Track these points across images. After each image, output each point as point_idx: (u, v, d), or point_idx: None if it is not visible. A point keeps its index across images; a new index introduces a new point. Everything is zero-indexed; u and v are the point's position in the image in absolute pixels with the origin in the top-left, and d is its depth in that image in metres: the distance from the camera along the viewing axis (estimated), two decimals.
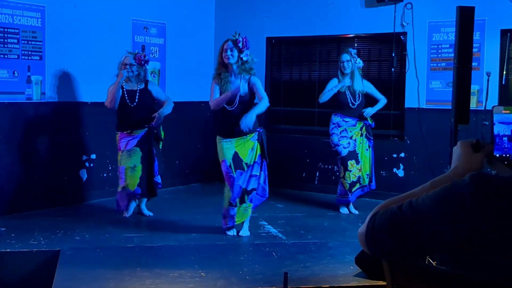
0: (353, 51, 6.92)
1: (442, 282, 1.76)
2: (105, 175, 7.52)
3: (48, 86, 6.87)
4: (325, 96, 6.87)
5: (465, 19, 4.39)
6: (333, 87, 6.84)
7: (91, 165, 7.37)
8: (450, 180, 1.72)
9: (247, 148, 5.69)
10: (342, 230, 6.19)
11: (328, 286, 4.37)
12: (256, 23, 8.68)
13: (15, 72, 6.54)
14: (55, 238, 5.61)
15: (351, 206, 6.97)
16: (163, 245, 5.46)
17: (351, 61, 6.82)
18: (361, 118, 6.89)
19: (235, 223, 5.78)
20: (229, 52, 5.62)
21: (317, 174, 8.33)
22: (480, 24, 7.11)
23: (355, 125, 6.90)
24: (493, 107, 1.82)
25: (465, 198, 1.61)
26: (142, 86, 6.48)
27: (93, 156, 7.37)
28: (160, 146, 6.69)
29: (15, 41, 6.51)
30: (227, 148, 5.67)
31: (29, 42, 6.65)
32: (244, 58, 5.65)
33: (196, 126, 8.74)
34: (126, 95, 6.38)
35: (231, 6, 8.93)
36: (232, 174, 5.64)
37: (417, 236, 1.68)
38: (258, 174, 5.75)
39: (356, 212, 6.90)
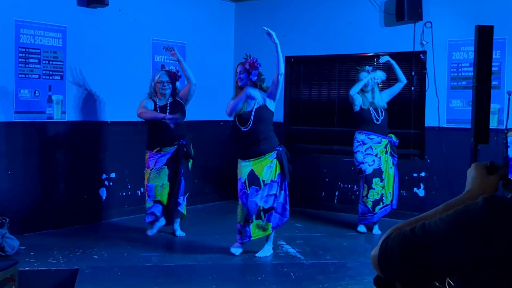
0: (370, 68, 6.96)
1: None
2: (124, 193, 7.55)
3: (68, 105, 6.94)
4: (356, 88, 6.89)
5: (484, 38, 4.32)
6: (362, 86, 6.89)
7: (111, 183, 7.41)
8: (463, 202, 1.70)
9: (264, 165, 5.68)
10: (361, 251, 6.13)
11: None
12: None
13: (36, 91, 6.62)
14: (73, 257, 5.63)
15: (375, 226, 6.92)
16: (181, 265, 5.45)
17: (369, 79, 6.85)
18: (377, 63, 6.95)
19: (251, 239, 5.74)
20: (239, 75, 5.73)
21: (337, 194, 8.28)
22: (501, 43, 7.07)
23: (380, 142, 6.87)
24: (506, 130, 1.80)
25: (478, 221, 1.59)
26: (171, 99, 6.54)
27: (113, 175, 7.40)
28: (190, 164, 6.63)
29: (37, 61, 6.60)
30: (245, 166, 5.68)
31: (50, 62, 6.74)
32: (253, 79, 5.70)
33: (215, 145, 8.75)
34: (158, 111, 6.44)
35: (250, 26, 8.98)
36: (246, 191, 5.64)
37: (430, 259, 1.66)
38: (276, 193, 5.72)
39: (380, 232, 6.81)
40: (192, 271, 5.30)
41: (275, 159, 5.72)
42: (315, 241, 6.51)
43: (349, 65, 8.43)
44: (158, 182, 6.40)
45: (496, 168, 1.79)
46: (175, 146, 6.45)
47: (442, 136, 7.58)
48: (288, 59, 8.76)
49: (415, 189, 7.76)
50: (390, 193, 6.89)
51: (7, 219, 5.66)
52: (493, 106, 6.84)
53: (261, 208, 5.65)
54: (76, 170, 7.06)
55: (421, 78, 7.80)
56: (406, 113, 7.94)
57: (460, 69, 7.48)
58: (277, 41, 5.61)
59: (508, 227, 1.58)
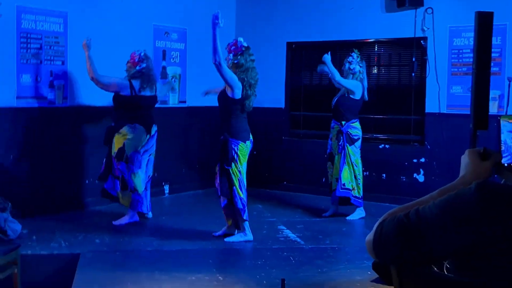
0: (356, 55, 6.93)
1: None
2: None
3: (70, 91, 6.96)
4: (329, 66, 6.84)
5: (484, 24, 4.33)
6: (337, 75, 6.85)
7: None
8: (457, 188, 1.73)
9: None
10: (360, 236, 6.17)
11: None
12: (276, 29, 8.71)
13: (38, 77, 6.65)
14: (75, 241, 5.69)
15: (356, 212, 6.93)
16: (181, 249, 5.50)
17: (350, 64, 6.87)
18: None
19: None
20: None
21: None
22: (501, 29, 7.07)
23: (333, 127, 6.95)
24: (499, 116, 1.83)
25: (471, 206, 1.62)
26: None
27: None
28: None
29: (38, 46, 6.61)
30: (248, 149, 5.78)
31: (52, 47, 6.75)
32: (230, 62, 5.74)
33: (216, 130, 8.76)
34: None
35: (251, 12, 8.98)
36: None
37: (424, 244, 1.69)
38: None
39: (356, 218, 6.86)
40: (193, 255, 5.35)
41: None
42: (315, 226, 6.55)
43: (351, 51, 8.41)
44: None
45: (489, 154, 1.82)
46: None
47: (443, 122, 7.60)
48: (289, 45, 8.77)
49: (415, 175, 7.80)
50: (336, 178, 6.85)
51: (9, 203, 5.70)
52: (494, 92, 6.84)
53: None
54: (78, 155, 7.10)
55: (421, 64, 7.81)
56: (406, 99, 7.95)
57: (461, 55, 7.49)
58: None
59: (500, 212, 1.61)
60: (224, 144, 5.67)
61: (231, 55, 5.73)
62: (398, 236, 1.74)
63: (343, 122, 6.84)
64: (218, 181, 5.75)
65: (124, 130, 6.35)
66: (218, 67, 5.54)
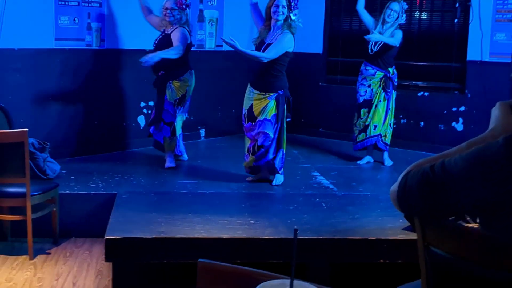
0: (404, 4, 6.73)
1: (473, 242, 1.75)
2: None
3: (107, 33, 6.99)
4: (361, 10, 6.80)
5: None
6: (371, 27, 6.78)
7: (149, 111, 7.50)
8: (485, 141, 1.70)
9: (261, 105, 5.59)
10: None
11: (375, 238, 4.39)
12: None
13: (76, 19, 6.67)
14: (112, 181, 5.81)
15: (384, 157, 6.89)
16: (215, 192, 5.57)
17: (398, 14, 6.65)
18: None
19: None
20: (280, 9, 5.48)
21: None
22: None
23: (373, 75, 6.77)
24: None
25: (498, 160, 1.59)
26: (169, 31, 6.33)
27: (151, 103, 7.49)
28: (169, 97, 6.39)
29: None
30: (248, 98, 5.69)
31: None
32: (293, 18, 5.53)
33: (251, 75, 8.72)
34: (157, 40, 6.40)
35: None
36: (244, 123, 5.70)
37: (448, 197, 1.68)
38: (268, 132, 5.58)
39: (391, 163, 6.84)
40: (226, 198, 5.42)
41: (274, 100, 5.58)
42: (348, 173, 6.55)
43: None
44: None
45: None
46: (155, 76, 6.41)
47: (484, 70, 7.41)
48: None
49: (453, 123, 7.67)
50: (375, 126, 6.77)
51: (48, 144, 5.83)
52: None
53: (255, 143, 5.65)
54: (115, 97, 7.18)
55: (465, 10, 7.57)
56: (448, 46, 7.75)
57: (506, 1, 7.22)
58: (241, 48, 5.43)
59: None
60: (279, 101, 5.58)
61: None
62: (423, 188, 1.73)
63: (390, 69, 6.75)
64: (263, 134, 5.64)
65: (185, 77, 6.35)
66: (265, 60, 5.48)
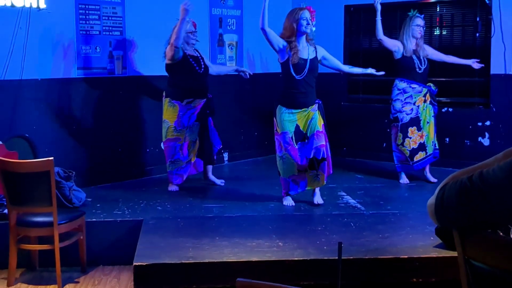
0: (421, 16, 6.88)
1: None
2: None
3: (128, 61, 7.03)
4: (383, 37, 6.82)
5: None
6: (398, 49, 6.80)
7: None
8: None
9: (307, 118, 5.66)
10: (423, 201, 6.03)
11: (406, 256, 4.31)
12: None
13: (97, 47, 6.73)
14: (138, 208, 5.79)
15: (427, 174, 6.85)
16: (241, 215, 5.52)
17: (423, 27, 6.71)
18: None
19: (306, 188, 5.80)
20: (308, 21, 5.63)
21: None
22: None
23: (420, 92, 6.75)
24: None
25: None
26: (197, 53, 6.49)
27: None
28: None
29: (96, 17, 6.69)
30: (290, 121, 5.66)
31: (110, 18, 6.81)
32: (313, 29, 5.78)
33: (272, 97, 8.70)
34: (192, 61, 6.38)
35: None
36: (294, 146, 5.64)
37: (488, 208, 1.62)
38: (324, 143, 5.68)
39: (436, 180, 6.76)
40: (253, 221, 5.36)
41: (317, 111, 5.70)
42: (375, 192, 6.47)
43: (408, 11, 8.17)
44: (192, 138, 6.41)
45: None
46: (205, 99, 6.42)
47: (509, 84, 7.33)
48: (347, 8, 8.59)
49: (479, 138, 7.57)
50: (433, 142, 6.76)
51: (73, 172, 5.84)
52: None
53: (313, 158, 5.63)
54: (139, 124, 7.20)
55: (486, 24, 7.51)
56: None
57: None
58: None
59: None
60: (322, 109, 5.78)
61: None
62: (461, 200, 1.67)
63: (431, 84, 6.83)
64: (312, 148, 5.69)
65: None
66: (263, 32, 5.61)
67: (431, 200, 1.81)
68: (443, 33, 8.09)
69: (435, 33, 8.08)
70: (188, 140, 6.38)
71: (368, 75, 6.24)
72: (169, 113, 6.35)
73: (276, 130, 5.77)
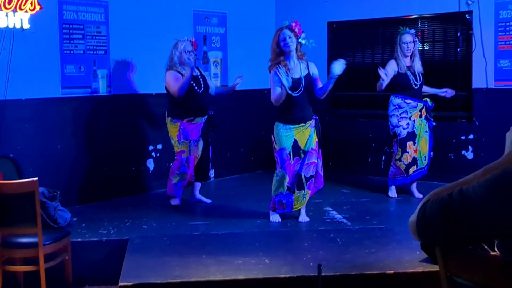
0: (413, 31, 6.86)
1: (496, 269, 1.71)
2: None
3: (113, 79, 7.04)
4: (384, 84, 6.75)
5: None
6: (392, 73, 6.76)
7: (158, 155, 7.52)
8: (502, 166, 1.68)
9: (306, 135, 5.69)
10: (408, 216, 6.05)
11: (393, 272, 4.33)
12: (316, 8, 8.61)
13: (81, 66, 6.73)
14: (123, 227, 5.77)
15: (413, 189, 6.90)
16: (228, 233, 5.53)
17: (414, 42, 6.73)
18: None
19: (293, 210, 5.80)
20: (288, 40, 5.62)
21: (383, 159, 8.21)
22: None
23: (416, 107, 6.79)
24: None
25: None
26: (197, 72, 6.56)
27: (159, 146, 7.51)
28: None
29: (80, 36, 6.70)
30: (287, 136, 5.67)
31: (94, 37, 6.82)
32: (303, 42, 5.69)
33: (260, 113, 8.75)
34: (192, 81, 6.42)
35: None
36: (290, 162, 5.65)
37: (468, 224, 1.65)
38: (316, 161, 5.75)
39: (421, 196, 6.79)
40: (239, 238, 5.37)
41: (314, 128, 5.74)
42: (362, 207, 6.50)
43: (392, 29, 8.27)
44: (197, 153, 6.47)
45: None
46: (206, 116, 6.50)
47: (490, 97, 7.41)
48: (330, 25, 8.66)
49: (463, 152, 7.64)
50: (425, 156, 6.83)
51: (58, 192, 5.81)
52: None
53: (302, 176, 5.67)
54: (124, 142, 7.19)
55: (467, 39, 7.61)
56: (452, 75, 7.77)
57: (508, 28, 7.26)
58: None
59: None
60: (318, 125, 5.81)
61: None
62: (442, 217, 1.70)
63: (427, 99, 6.89)
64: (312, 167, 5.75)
65: None
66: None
67: (413, 217, 1.83)
68: (425, 48, 8.18)
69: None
70: (193, 154, 6.44)
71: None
72: (172, 130, 6.51)
73: (274, 147, 5.78)
